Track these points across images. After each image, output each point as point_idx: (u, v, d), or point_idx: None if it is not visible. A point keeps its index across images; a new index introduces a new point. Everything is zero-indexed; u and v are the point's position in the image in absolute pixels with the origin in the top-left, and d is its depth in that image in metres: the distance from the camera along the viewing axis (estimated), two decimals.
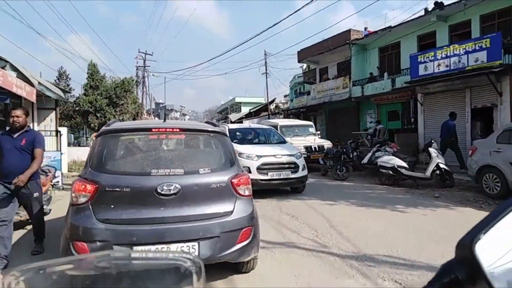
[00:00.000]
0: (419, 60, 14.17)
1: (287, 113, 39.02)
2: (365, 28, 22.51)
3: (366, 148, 15.63)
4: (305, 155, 13.49)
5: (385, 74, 19.15)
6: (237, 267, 3.99)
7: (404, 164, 10.02)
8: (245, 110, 52.90)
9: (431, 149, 9.77)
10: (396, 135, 15.29)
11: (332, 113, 23.62)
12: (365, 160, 11.44)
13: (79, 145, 24.66)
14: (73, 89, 26.61)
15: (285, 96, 56.04)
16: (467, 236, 0.57)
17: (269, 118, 31.80)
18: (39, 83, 9.12)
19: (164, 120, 4.37)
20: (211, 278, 3.86)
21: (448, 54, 13.00)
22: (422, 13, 17.76)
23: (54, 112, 13.69)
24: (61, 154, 13.45)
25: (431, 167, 9.61)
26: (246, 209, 3.69)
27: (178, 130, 3.99)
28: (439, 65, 13.30)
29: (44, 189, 6.53)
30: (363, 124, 21.84)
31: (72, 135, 26.59)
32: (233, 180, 3.67)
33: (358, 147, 13.73)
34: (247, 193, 3.77)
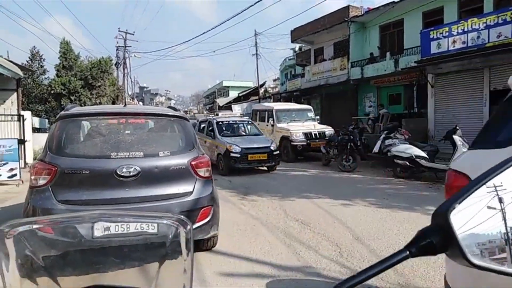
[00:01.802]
0: (431, 36, 12.74)
1: (278, 97, 37.51)
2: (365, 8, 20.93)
3: (370, 135, 14.31)
4: (304, 143, 12.08)
5: (387, 54, 17.69)
6: (199, 245, 4.10)
7: (424, 154, 8.66)
8: (233, 94, 51.12)
9: (456, 137, 8.41)
10: (404, 120, 13.94)
11: (328, 97, 22.15)
12: (375, 149, 10.05)
13: None
14: (48, 71, 24.40)
15: (274, 80, 54.36)
16: (443, 205, 0.60)
17: (259, 102, 30.22)
18: None
19: (125, 105, 4.58)
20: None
21: (466, 29, 11.59)
22: None
23: (15, 93, 11.83)
24: (25, 141, 11.72)
25: (457, 157, 8.26)
26: (205, 190, 3.84)
27: (138, 114, 4.19)
28: (454, 41, 11.89)
29: None
30: (361, 109, 20.48)
31: (47, 120, 24.56)
32: (192, 163, 3.81)
33: (362, 133, 12.35)
34: (207, 174, 3.91)
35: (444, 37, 12.28)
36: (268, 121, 13.85)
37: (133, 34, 29.30)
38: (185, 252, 0.68)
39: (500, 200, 0.62)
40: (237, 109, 32.32)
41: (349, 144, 10.34)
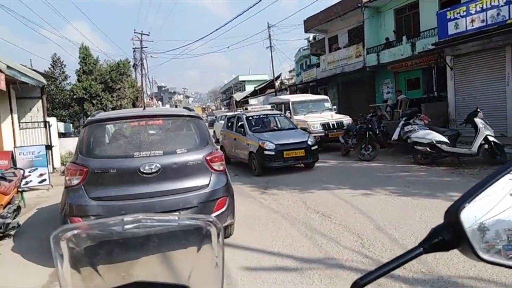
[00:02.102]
0: (448, 17, 12.34)
1: (294, 89, 37.32)
2: None
3: (388, 122, 14.07)
4: (322, 134, 12.02)
5: (403, 38, 17.27)
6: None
7: (444, 139, 8.46)
8: (249, 88, 51.13)
9: (477, 120, 8.19)
10: (423, 105, 13.62)
11: (345, 86, 21.84)
12: (394, 136, 9.90)
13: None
14: (69, 77, 25.06)
15: (290, 71, 53.95)
16: (454, 204, 0.64)
17: (275, 95, 30.13)
18: (8, 66, 7.63)
19: (144, 108, 5.24)
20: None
21: (484, 7, 11.16)
22: None
23: (40, 100, 12.24)
24: (52, 146, 12.14)
25: (478, 140, 8.05)
26: (220, 182, 4.15)
27: (156, 116, 4.56)
28: (472, 20, 11.48)
29: (5, 199, 5.18)
30: (379, 96, 20.13)
31: (71, 125, 25.32)
32: (207, 158, 4.12)
33: (381, 121, 12.17)
34: (221, 168, 4.21)
35: (462, 16, 11.87)
36: (286, 111, 13.81)
37: (148, 35, 29.71)
38: (216, 249, 0.73)
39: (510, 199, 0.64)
40: (254, 103, 32.35)
41: (367, 132, 10.22)
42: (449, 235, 0.64)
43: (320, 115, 13.09)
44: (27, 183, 9.04)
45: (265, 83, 40.88)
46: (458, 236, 0.63)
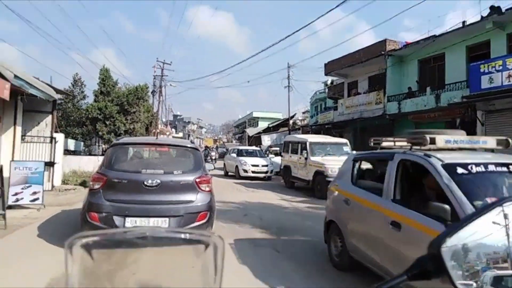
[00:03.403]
0: (481, 70, 11.62)
1: (307, 130, 36.67)
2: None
3: None
4: None
5: (428, 89, 16.58)
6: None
7: None
8: (262, 124, 50.81)
9: None
10: None
11: (361, 131, 21.00)
12: None
13: (89, 154, 22.71)
14: (87, 97, 24.86)
15: (303, 112, 53.73)
16: (437, 239, 0.70)
17: (289, 133, 29.41)
18: (16, 76, 6.97)
19: (156, 137, 7.71)
20: None
21: None
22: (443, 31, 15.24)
23: (50, 116, 11.59)
24: (54, 163, 11.33)
25: None
26: (204, 200, 5.09)
27: (163, 145, 5.97)
28: (509, 76, 10.71)
29: None
30: None
31: (82, 143, 24.76)
32: (196, 180, 5.12)
33: None
34: (207, 189, 5.18)
35: (497, 71, 11.13)
36: (301, 154, 12.92)
37: (170, 64, 29.82)
38: (216, 265, 0.74)
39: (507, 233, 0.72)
40: (266, 139, 31.67)
41: None
42: (431, 266, 0.68)
43: (339, 159, 12.10)
44: (17, 200, 8.14)
45: (279, 121, 40.43)
46: (439, 267, 0.67)
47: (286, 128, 38.47)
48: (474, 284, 0.69)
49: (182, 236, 0.82)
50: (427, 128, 17.88)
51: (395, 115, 18.31)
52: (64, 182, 12.60)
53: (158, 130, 45.67)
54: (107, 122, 18.06)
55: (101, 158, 17.69)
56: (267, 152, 20.69)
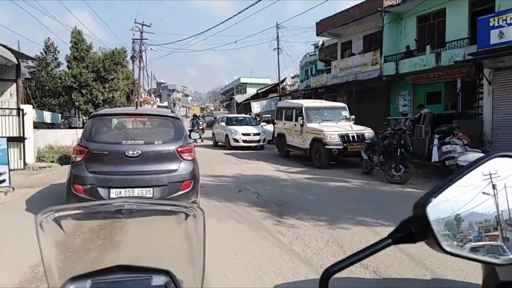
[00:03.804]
0: (490, 24, 10.67)
1: (297, 95, 35.70)
2: None
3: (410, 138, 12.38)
4: (340, 147, 10.23)
5: (427, 47, 15.61)
6: None
7: None
8: (250, 91, 49.43)
9: None
10: (455, 122, 11.90)
11: (357, 95, 20.12)
12: (434, 158, 8.18)
13: (69, 126, 21.39)
14: (62, 64, 23.12)
15: (293, 77, 52.32)
16: (421, 199, 0.67)
17: (280, 99, 28.40)
18: None
19: (136, 107, 7.64)
20: None
21: None
22: None
23: (15, 84, 10.33)
24: (24, 139, 10.24)
25: None
26: (187, 168, 5.14)
27: (143, 115, 5.99)
28: None
29: None
30: (394, 108, 18.44)
31: (60, 115, 23.33)
32: (178, 149, 5.15)
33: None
34: (189, 158, 5.22)
35: (509, 24, 10.21)
36: (296, 120, 12.05)
37: (149, 26, 27.86)
38: (198, 234, 0.73)
39: (483, 193, 0.69)
40: (256, 106, 30.61)
41: (399, 149, 8.45)
42: (416, 228, 0.66)
43: (337, 125, 11.32)
44: None
45: (268, 87, 39.17)
46: (424, 229, 0.65)
47: (276, 94, 37.33)
48: (462, 247, 0.67)
49: (160, 208, 0.82)
50: (425, 89, 17.17)
51: (392, 77, 17.41)
52: (39, 159, 11.53)
53: (140, 99, 43.97)
54: (83, 91, 16.72)
55: (80, 131, 16.56)
56: (256, 119, 19.71)
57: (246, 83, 55.28)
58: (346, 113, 12.12)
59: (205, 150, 16.24)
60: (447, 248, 0.65)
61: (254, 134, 16.16)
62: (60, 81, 16.88)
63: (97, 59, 17.42)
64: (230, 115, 18.99)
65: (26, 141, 10.17)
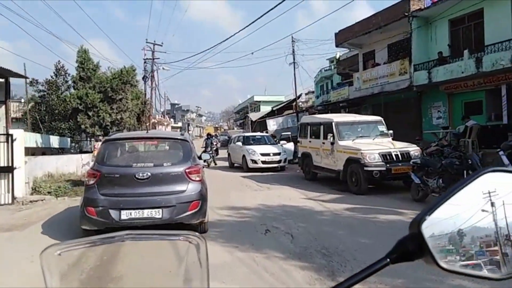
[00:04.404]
0: None
1: (313, 111, 34.08)
2: None
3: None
4: (383, 168, 8.43)
5: (465, 52, 13.82)
6: (195, 230, 3.90)
7: None
8: (264, 109, 48.08)
9: None
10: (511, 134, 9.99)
11: (383, 108, 18.29)
12: None
13: (80, 151, 20.12)
14: (72, 87, 22.17)
15: (306, 93, 50.85)
16: (417, 217, 0.67)
17: (297, 116, 26.76)
18: None
19: (147, 131, 7.66)
20: None
21: None
22: None
23: (4, 107, 8.97)
24: (13, 169, 8.78)
25: None
26: (195, 189, 5.21)
27: (153, 138, 6.33)
28: None
29: None
30: (427, 121, 16.53)
31: (69, 139, 22.15)
32: (186, 170, 5.23)
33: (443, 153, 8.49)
34: (197, 179, 5.29)
35: None
36: (324, 138, 10.33)
37: (161, 45, 26.88)
38: (201, 261, 0.74)
39: (482, 210, 0.68)
40: (272, 124, 29.02)
41: (465, 171, 6.62)
42: (412, 246, 0.65)
43: (375, 142, 9.55)
44: None
45: (284, 103, 37.68)
46: (420, 247, 0.65)
47: (291, 111, 35.77)
48: (459, 263, 0.67)
49: (163, 238, 0.83)
50: (462, 99, 15.27)
51: (424, 86, 15.61)
52: (34, 189, 10.04)
53: (154, 121, 43.05)
54: (90, 113, 15.39)
55: (85, 156, 15.17)
56: (276, 139, 17.97)
57: (259, 101, 54.07)
58: (383, 127, 10.34)
59: (221, 173, 14.60)
60: (444, 266, 0.65)
61: (274, 154, 14.46)
62: (64, 103, 15.64)
63: (105, 78, 16.17)
64: (246, 134, 17.38)
65: (15, 171, 8.70)
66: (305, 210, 7.28)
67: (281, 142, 16.10)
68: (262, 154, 14.30)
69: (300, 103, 43.28)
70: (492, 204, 0.68)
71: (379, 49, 18.99)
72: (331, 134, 9.85)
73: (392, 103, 17.52)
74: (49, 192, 10.01)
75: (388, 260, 0.65)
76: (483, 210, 0.68)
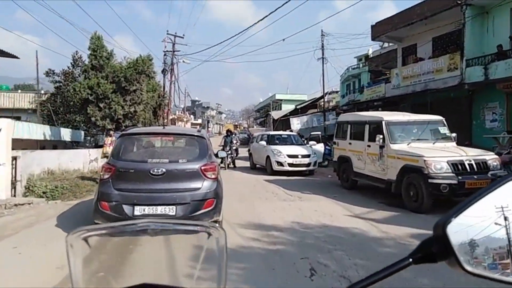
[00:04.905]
0: None
1: (338, 112, 32.00)
2: None
3: None
4: (454, 181, 6.46)
5: None
6: None
7: None
8: (285, 107, 46.25)
9: None
10: None
11: (423, 108, 16.12)
12: None
13: (96, 145, 18.85)
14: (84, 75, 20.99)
15: (330, 93, 48.61)
16: (442, 219, 0.65)
17: (324, 115, 24.77)
18: None
19: (163, 127, 6.89)
20: None
21: None
22: None
23: None
24: None
25: None
26: (210, 187, 4.99)
27: (169, 134, 6.01)
28: None
29: None
30: (477, 124, 14.29)
31: (83, 132, 20.93)
32: (202, 168, 5.04)
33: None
34: (213, 176, 5.07)
35: None
36: (371, 140, 8.43)
37: (182, 38, 25.37)
38: (220, 253, 0.73)
39: (504, 217, 0.66)
40: (296, 123, 27.13)
41: None
42: (437, 248, 0.65)
43: (437, 147, 7.56)
44: None
45: (309, 102, 35.68)
46: (445, 249, 0.64)
47: (315, 110, 33.79)
48: (485, 267, 0.65)
49: (183, 227, 0.83)
50: None
51: (478, 84, 13.41)
52: (28, 189, 8.57)
53: (173, 116, 41.78)
54: (101, 105, 13.95)
55: (93, 151, 13.71)
56: (304, 139, 16.01)
57: (281, 100, 52.23)
58: (445, 129, 8.31)
59: (241, 176, 12.86)
60: (469, 269, 0.64)
61: (303, 156, 12.59)
62: (74, 92, 14.24)
63: (119, 68, 14.70)
64: (271, 132, 15.53)
65: (0, 167, 7.19)
66: (357, 236, 5.40)
67: (310, 142, 14.19)
68: (289, 156, 12.46)
69: (322, 103, 41.14)
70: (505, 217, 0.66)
71: (422, 43, 16.78)
72: (381, 136, 7.90)
73: (437, 103, 15.29)
74: (44, 193, 8.51)
75: (411, 260, 0.64)
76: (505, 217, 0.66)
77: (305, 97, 46.72)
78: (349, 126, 9.68)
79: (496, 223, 0.65)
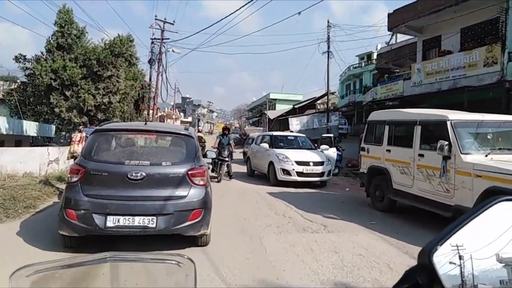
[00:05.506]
0: None
1: (340, 111, 29.95)
2: None
3: None
4: None
5: None
6: (195, 242, 4.46)
7: None
8: (280, 107, 43.85)
9: None
10: None
11: (452, 108, 13.81)
12: None
13: (71, 141, 16.05)
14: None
15: (322, 96, 46.46)
16: (426, 247, 0.62)
17: (327, 115, 22.35)
18: None
19: (145, 122, 5.52)
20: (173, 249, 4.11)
21: None
22: None
23: None
24: None
25: None
26: (198, 195, 4.30)
27: (152, 131, 5.10)
28: None
29: None
30: None
31: (54, 127, 18.02)
32: (189, 172, 4.31)
33: None
34: (201, 183, 4.37)
35: None
36: (424, 147, 5.97)
37: (172, 24, 22.63)
38: (188, 284, 0.68)
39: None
40: (295, 123, 24.64)
41: None
42: (422, 278, 0.61)
43: None
44: None
45: (308, 101, 33.29)
46: (431, 278, 0.61)
47: (313, 110, 31.44)
48: None
49: (148, 259, 0.75)
50: None
51: None
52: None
53: (161, 113, 38.85)
54: (67, 93, 11.24)
55: (53, 150, 10.87)
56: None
57: (275, 99, 49.82)
58: None
59: (237, 186, 10.29)
60: None
61: (315, 164, 10.08)
62: (32, 77, 11.48)
63: (91, 49, 12.00)
64: (275, 133, 12.93)
65: None
66: None
67: (322, 147, 11.67)
68: (298, 163, 9.94)
69: (318, 105, 38.71)
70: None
71: (448, 34, 14.45)
72: (445, 142, 5.43)
73: (469, 104, 12.98)
74: None
75: None
76: (493, 240, 0.62)
77: (301, 97, 44.39)
78: (387, 127, 7.20)
79: (488, 246, 0.61)
